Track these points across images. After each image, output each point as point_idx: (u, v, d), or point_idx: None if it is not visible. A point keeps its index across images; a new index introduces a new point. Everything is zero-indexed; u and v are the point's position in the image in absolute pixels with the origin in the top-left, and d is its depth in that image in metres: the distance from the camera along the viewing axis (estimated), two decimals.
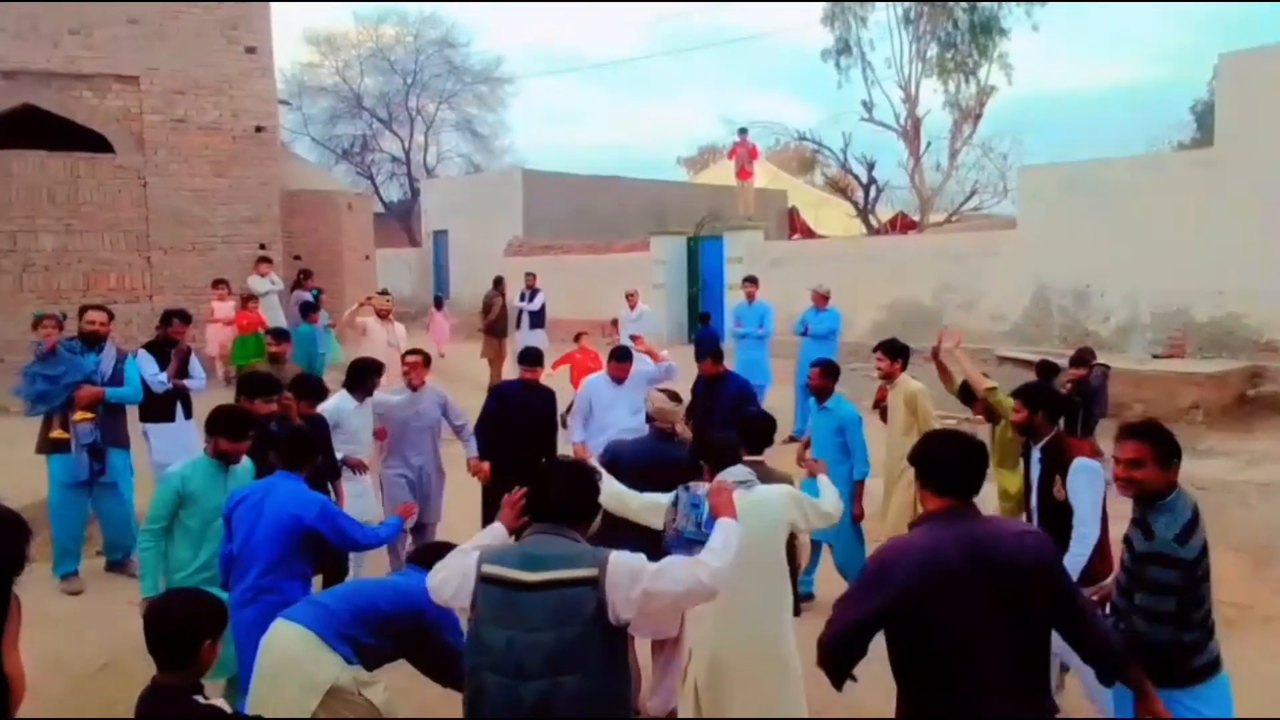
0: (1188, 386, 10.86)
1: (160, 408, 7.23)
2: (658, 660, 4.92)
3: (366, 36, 34.33)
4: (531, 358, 6.87)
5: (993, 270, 14.50)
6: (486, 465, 6.47)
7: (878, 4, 23.70)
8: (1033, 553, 2.73)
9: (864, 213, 23.73)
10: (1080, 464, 4.28)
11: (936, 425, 5.67)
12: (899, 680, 2.76)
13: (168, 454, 7.40)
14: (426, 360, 6.62)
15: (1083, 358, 9.29)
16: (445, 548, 3.48)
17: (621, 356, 6.96)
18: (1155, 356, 12.31)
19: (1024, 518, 4.77)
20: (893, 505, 6.24)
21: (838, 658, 2.72)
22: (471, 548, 2.98)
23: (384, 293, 10.60)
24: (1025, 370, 12.43)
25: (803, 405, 9.72)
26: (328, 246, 16.02)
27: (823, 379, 6.12)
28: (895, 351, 6.30)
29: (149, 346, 7.33)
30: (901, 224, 23.65)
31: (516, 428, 6.50)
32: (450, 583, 2.86)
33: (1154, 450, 3.28)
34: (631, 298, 14.17)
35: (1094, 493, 4.26)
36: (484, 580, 2.76)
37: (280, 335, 7.87)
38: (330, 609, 3.73)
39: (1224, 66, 12.42)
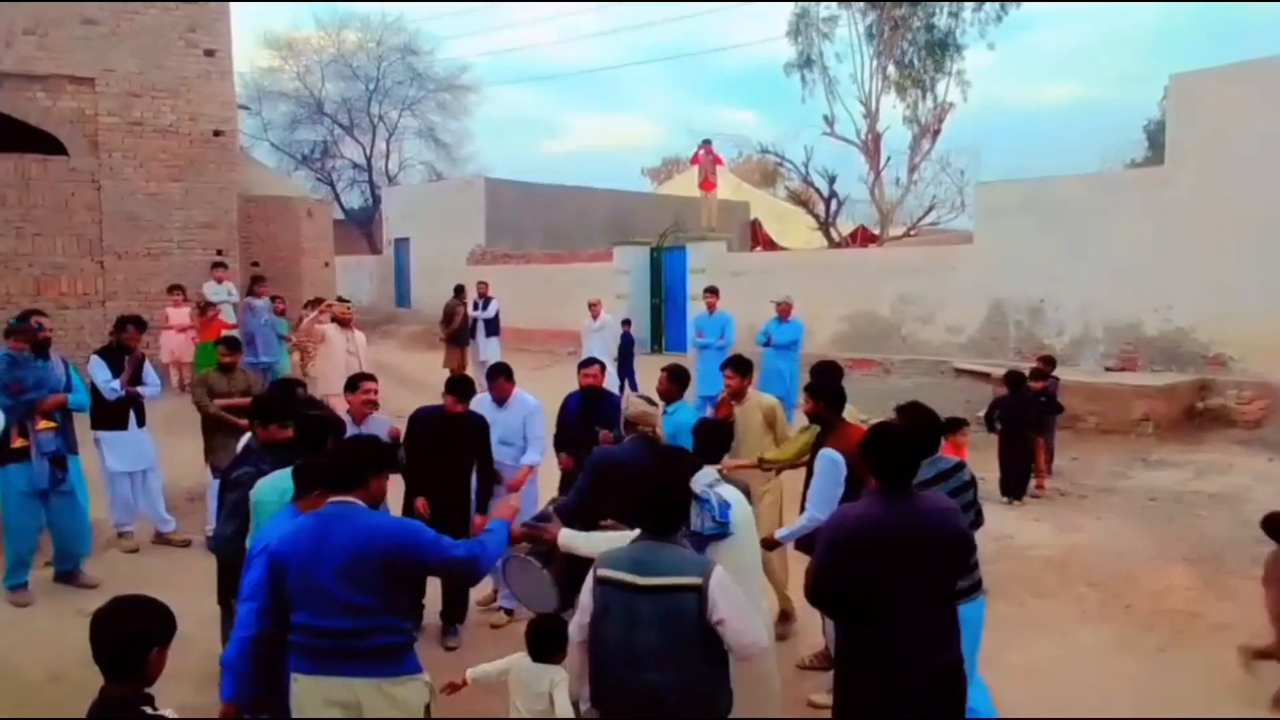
0: (1139, 399, 11.09)
1: (113, 415, 7.10)
2: None
3: (328, 42, 34.03)
4: (459, 387, 5.96)
5: (950, 284, 14.71)
6: (421, 502, 5.80)
7: (842, 18, 23.96)
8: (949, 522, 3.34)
9: (825, 226, 23.96)
10: (824, 453, 4.68)
11: (792, 435, 5.97)
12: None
13: (120, 462, 7.27)
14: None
15: (1042, 371, 9.49)
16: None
17: (498, 374, 6.37)
18: (1107, 369, 12.56)
19: None
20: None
21: (822, 599, 3.35)
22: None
23: (344, 300, 10.49)
24: (981, 382, 12.66)
25: None
26: (286, 253, 15.85)
27: (669, 384, 6.09)
28: (744, 368, 6.29)
29: (102, 353, 7.20)
30: (862, 237, 23.92)
31: (434, 459, 5.78)
32: (583, 597, 3.23)
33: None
34: (595, 307, 14.17)
35: (830, 480, 4.60)
36: (600, 581, 3.14)
37: (232, 345, 7.76)
38: None
39: (1174, 86, 12.72)
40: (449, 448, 5.83)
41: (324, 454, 3.92)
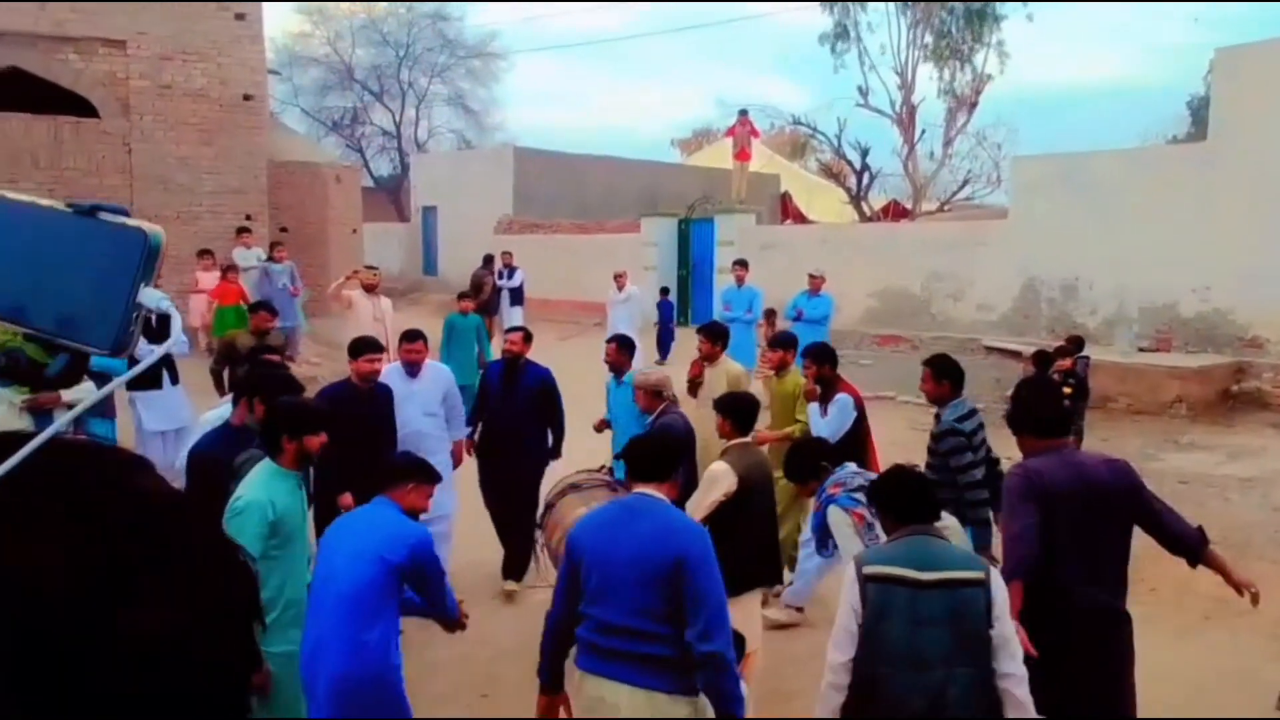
0: (1172, 380, 10.91)
1: (148, 376, 7.16)
2: None
3: (359, 7, 33.94)
4: (368, 346, 5.65)
5: (982, 260, 14.50)
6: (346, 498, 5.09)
7: None
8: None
9: (856, 199, 23.69)
10: (839, 398, 5.92)
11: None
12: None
13: (157, 421, 7.35)
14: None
15: (1066, 349, 9.35)
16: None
17: (412, 338, 6.03)
18: (1141, 350, 12.36)
19: None
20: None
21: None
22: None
23: (371, 267, 10.52)
24: (1012, 360, 12.49)
25: None
26: (314, 219, 15.91)
27: (619, 354, 6.25)
28: (716, 335, 6.55)
29: None
30: (894, 212, 23.63)
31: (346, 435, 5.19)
32: (842, 599, 3.07)
33: (931, 371, 5.14)
34: (620, 279, 14.14)
35: (846, 417, 5.87)
36: (873, 580, 2.97)
37: (269, 309, 7.74)
38: None
39: (1219, 61, 12.42)
40: (361, 425, 5.28)
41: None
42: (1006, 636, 2.95)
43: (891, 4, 23.33)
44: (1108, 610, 3.50)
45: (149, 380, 7.18)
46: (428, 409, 5.99)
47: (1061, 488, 3.48)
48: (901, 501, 3.19)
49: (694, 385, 6.57)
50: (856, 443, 5.88)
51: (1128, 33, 56.21)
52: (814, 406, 6.04)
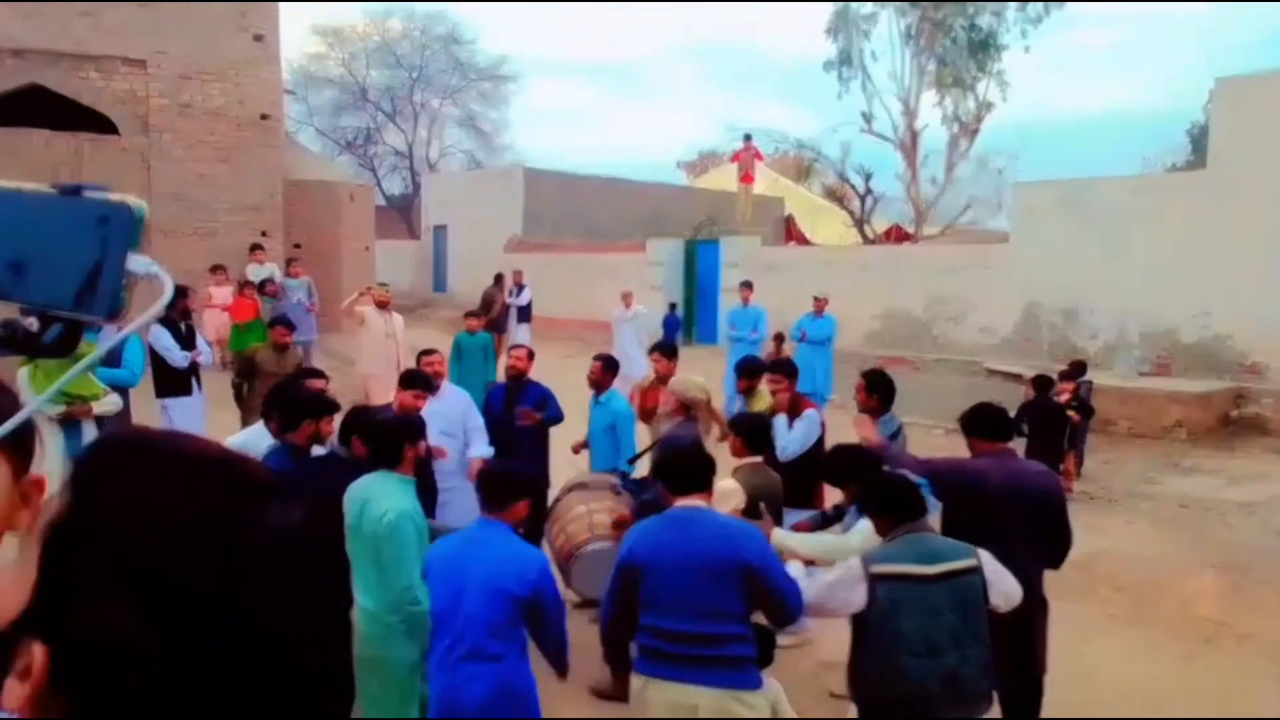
0: (1172, 405, 11.00)
1: (179, 382, 7.30)
2: None
3: (373, 30, 34.40)
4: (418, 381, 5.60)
5: (984, 284, 14.64)
6: None
7: (880, 17, 23.83)
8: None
9: (860, 223, 23.87)
10: (809, 413, 5.92)
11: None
12: None
13: (189, 427, 7.50)
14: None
15: (1070, 374, 9.44)
16: None
17: (428, 352, 6.13)
18: (1141, 374, 12.45)
19: None
20: None
21: None
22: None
23: (383, 284, 10.68)
24: (1013, 384, 12.59)
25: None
26: (328, 236, 16.11)
27: (603, 374, 6.27)
28: (670, 352, 6.64)
29: (162, 323, 7.41)
30: (896, 235, 23.80)
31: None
32: (837, 594, 3.22)
33: (865, 384, 5.37)
34: (627, 298, 14.28)
35: (810, 432, 5.84)
36: (881, 579, 3.14)
37: (287, 325, 7.90)
38: None
39: (1218, 91, 12.57)
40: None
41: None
42: (1006, 592, 3.31)
43: (894, 32, 23.63)
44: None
45: (180, 386, 7.31)
46: (446, 429, 5.93)
47: (993, 488, 3.86)
48: (895, 503, 3.38)
49: (649, 412, 6.49)
50: (817, 460, 5.85)
51: (1127, 62, 56.63)
52: (781, 420, 6.05)
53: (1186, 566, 7.20)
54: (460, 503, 5.19)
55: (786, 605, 3.21)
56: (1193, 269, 12.14)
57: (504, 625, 3.32)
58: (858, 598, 3.16)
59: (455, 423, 5.99)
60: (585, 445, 6.41)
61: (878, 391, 5.46)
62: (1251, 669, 5.54)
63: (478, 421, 6.14)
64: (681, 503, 3.30)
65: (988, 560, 3.31)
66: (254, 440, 4.76)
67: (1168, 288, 12.42)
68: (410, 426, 4.11)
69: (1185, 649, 5.82)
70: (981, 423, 4.16)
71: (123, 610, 0.62)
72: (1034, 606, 3.86)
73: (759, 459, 4.76)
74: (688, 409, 5.32)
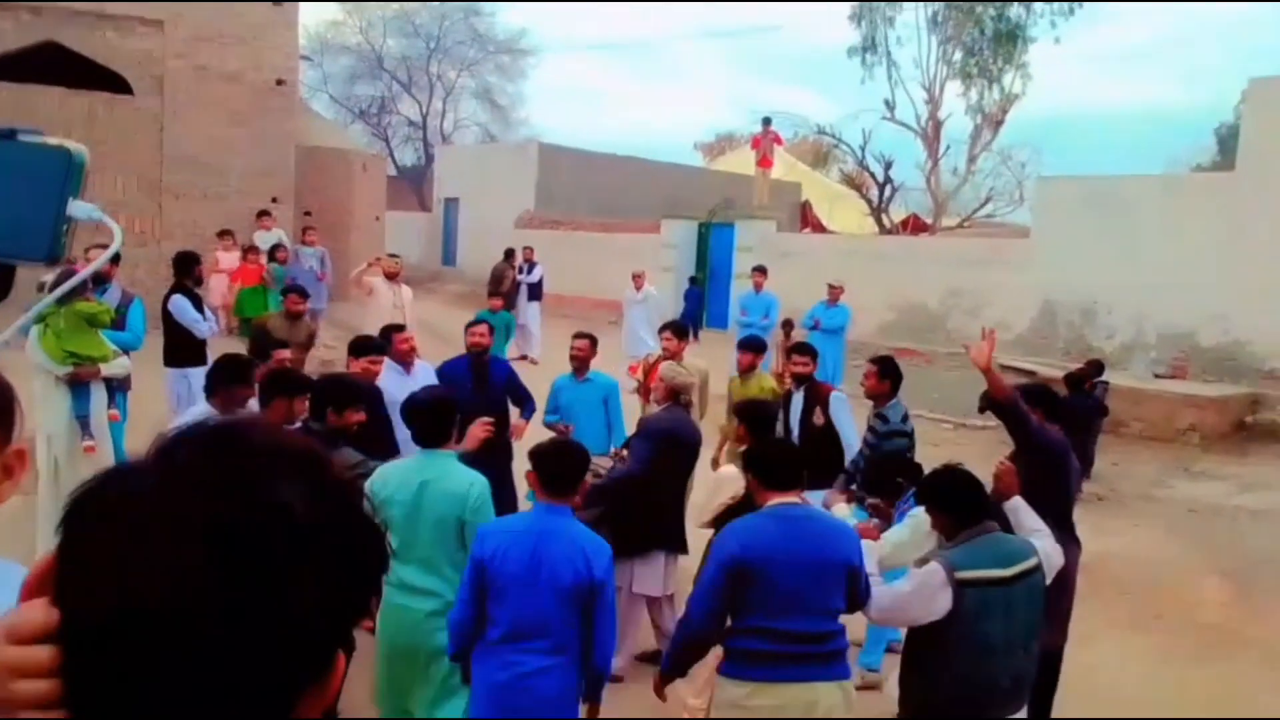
0: (1187, 408, 10.90)
1: (197, 352, 7.23)
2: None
3: None
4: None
5: (1001, 279, 14.49)
6: None
7: (905, 5, 23.55)
8: None
9: (877, 211, 23.67)
10: (836, 396, 6.01)
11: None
12: None
13: (198, 397, 7.46)
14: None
15: (1087, 373, 9.35)
16: None
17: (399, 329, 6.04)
18: (1157, 376, 12.33)
19: None
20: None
21: None
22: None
23: (394, 255, 10.62)
24: (1026, 381, 12.48)
25: None
26: (339, 205, 16.04)
27: (590, 351, 6.26)
28: (682, 332, 6.66)
29: (181, 292, 7.34)
30: (914, 226, 23.61)
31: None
32: (917, 602, 3.16)
33: (876, 370, 5.46)
34: (638, 279, 14.17)
35: (848, 415, 5.93)
36: (968, 585, 3.09)
37: (301, 293, 7.80)
38: None
39: (1251, 92, 12.38)
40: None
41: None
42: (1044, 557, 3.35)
43: (921, 19, 23.35)
44: None
45: (198, 355, 7.25)
46: None
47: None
48: (965, 502, 3.31)
49: (645, 387, 6.52)
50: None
51: (1157, 58, 55.99)
52: (796, 405, 6.05)
53: (1193, 571, 7.15)
54: None
55: (867, 603, 3.31)
56: (1214, 272, 11.98)
57: (575, 618, 3.25)
58: (940, 605, 3.10)
59: None
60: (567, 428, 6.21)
61: (889, 377, 5.52)
62: (1255, 676, 5.54)
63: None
64: (779, 499, 3.26)
65: (1043, 550, 3.34)
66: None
67: (1188, 290, 12.26)
68: (352, 391, 4.07)
69: (1189, 654, 5.79)
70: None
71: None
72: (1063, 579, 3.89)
73: None
74: (677, 394, 5.27)
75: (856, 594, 3.26)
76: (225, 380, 4.44)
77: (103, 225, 1.01)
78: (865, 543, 3.54)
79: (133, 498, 0.63)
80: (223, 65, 13.25)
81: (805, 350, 6.35)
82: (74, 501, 0.64)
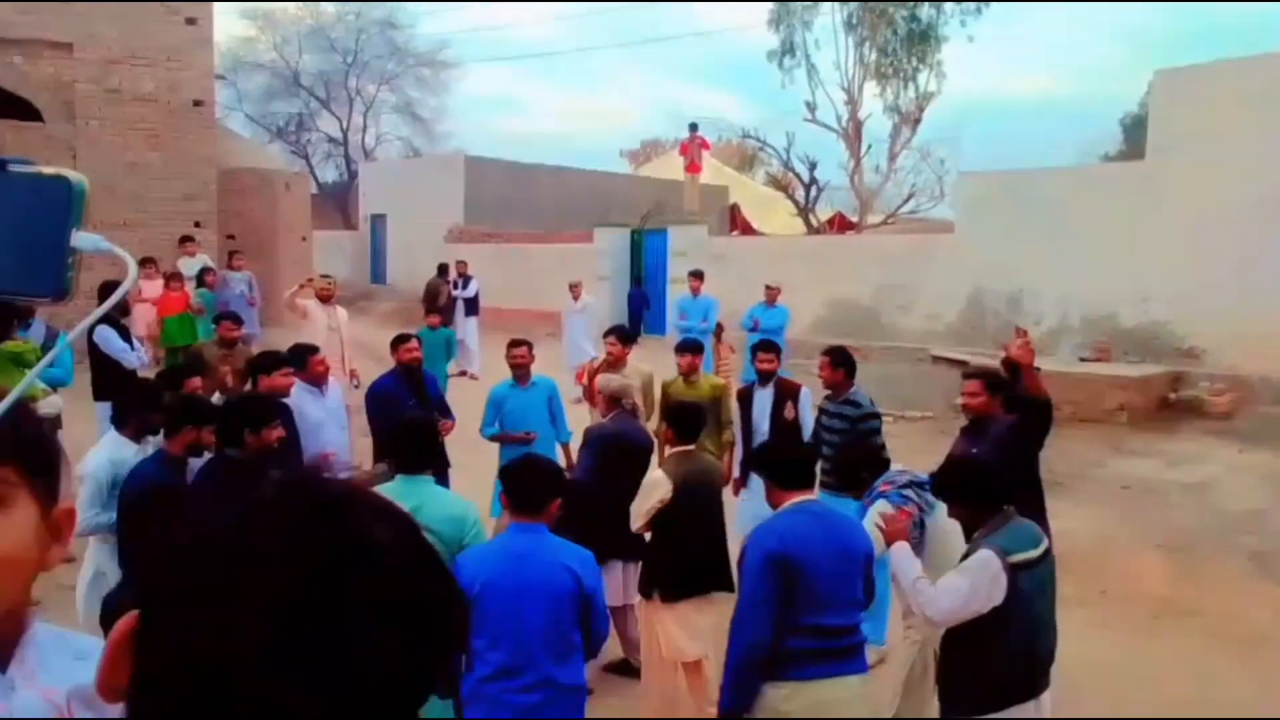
0: (1113, 389, 11.25)
1: (124, 384, 6.99)
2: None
3: (306, 13, 33.54)
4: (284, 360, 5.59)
5: (930, 273, 14.82)
6: None
7: (822, 7, 23.95)
8: None
9: (804, 211, 24.02)
10: (806, 392, 6.23)
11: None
12: None
13: None
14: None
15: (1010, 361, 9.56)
16: None
17: (298, 360, 5.79)
18: (1083, 360, 12.71)
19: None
20: None
21: None
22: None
23: (326, 276, 10.40)
24: (958, 370, 12.77)
25: None
26: (264, 226, 15.66)
27: (531, 356, 6.40)
28: (627, 337, 6.75)
29: (107, 323, 7.11)
30: (840, 224, 24.01)
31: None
32: (980, 594, 3.22)
33: (831, 359, 5.68)
34: (575, 289, 14.15)
35: (812, 410, 6.11)
36: (1019, 568, 3.24)
37: (234, 319, 7.62)
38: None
39: (1158, 83, 12.86)
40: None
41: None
42: None
43: (837, 21, 23.77)
44: None
45: (124, 388, 7.00)
46: (342, 424, 6.02)
47: None
48: (990, 491, 3.45)
49: (590, 392, 6.50)
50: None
51: (1060, 52, 57.94)
52: (764, 401, 6.16)
53: (1132, 546, 7.38)
54: None
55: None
56: (1132, 256, 12.43)
57: (570, 634, 3.17)
58: (999, 592, 3.21)
59: (342, 416, 6.01)
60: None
61: (843, 366, 5.69)
62: (1199, 644, 5.73)
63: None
64: (798, 498, 3.34)
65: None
66: (120, 454, 4.31)
67: (1108, 274, 12.69)
68: (267, 408, 3.99)
69: (1134, 626, 5.97)
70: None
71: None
72: None
73: (690, 446, 4.67)
74: (619, 401, 5.27)
75: (870, 583, 3.38)
76: (135, 408, 4.36)
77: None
78: (901, 546, 3.59)
79: (215, 550, 0.60)
80: (136, 87, 12.84)
81: (770, 348, 6.43)
82: (151, 557, 0.62)
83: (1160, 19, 56.04)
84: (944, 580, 3.33)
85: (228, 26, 42.34)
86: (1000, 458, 4.15)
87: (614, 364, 6.47)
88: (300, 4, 33.55)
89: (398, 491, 3.48)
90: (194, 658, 0.57)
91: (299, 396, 5.60)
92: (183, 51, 13.14)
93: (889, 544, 3.63)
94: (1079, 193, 13.24)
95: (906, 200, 23.61)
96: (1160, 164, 12.35)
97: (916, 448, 7.98)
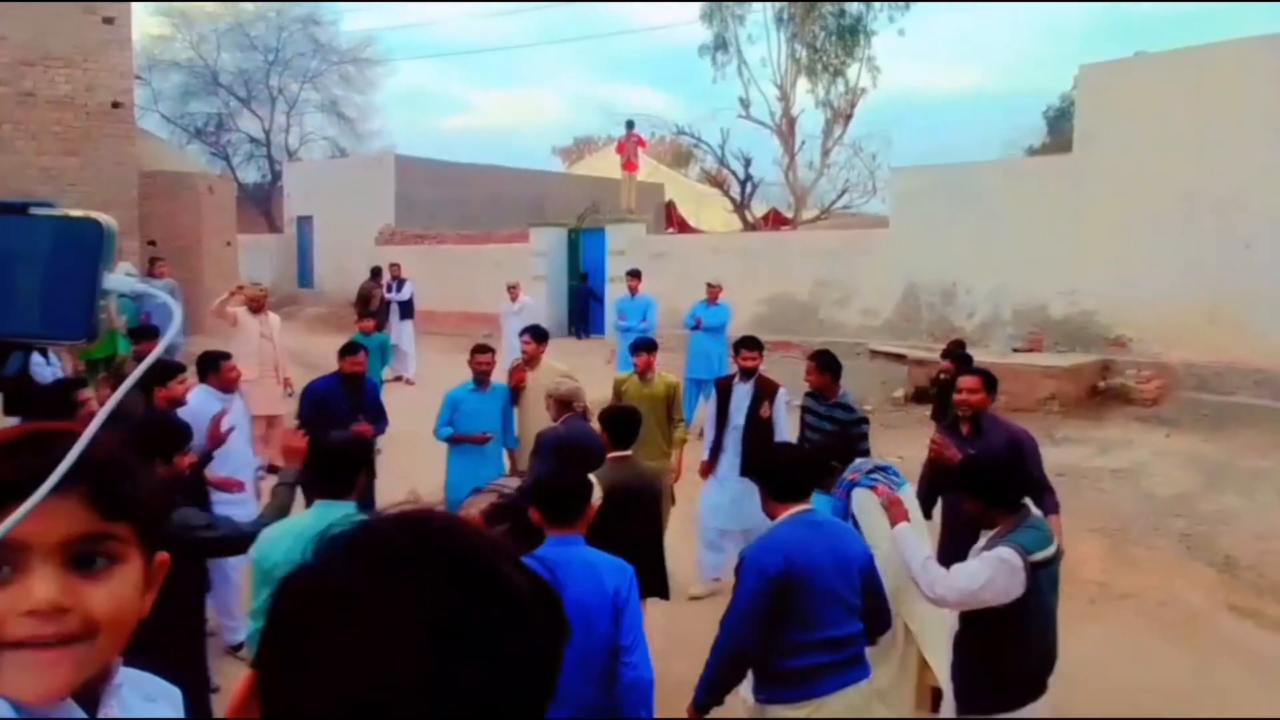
0: (1045, 379, 11.52)
1: (37, 398, 6.68)
2: None
3: (224, 10, 32.57)
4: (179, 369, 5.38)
5: (866, 268, 15.02)
6: None
7: (753, 4, 24.08)
8: None
9: (740, 208, 24.13)
10: (783, 391, 6.32)
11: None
12: None
13: None
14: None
15: (952, 351, 9.68)
16: None
17: (211, 364, 5.71)
18: (1015, 350, 13.01)
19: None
20: None
21: None
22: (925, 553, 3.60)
23: (256, 283, 10.13)
24: (896, 364, 12.98)
25: (693, 398, 9.82)
26: (186, 231, 15.15)
27: (493, 362, 6.53)
28: (540, 336, 6.83)
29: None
30: (774, 220, 24.19)
31: None
32: (996, 585, 3.29)
33: (817, 363, 5.77)
34: (513, 290, 14.00)
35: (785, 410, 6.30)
36: (1039, 566, 3.33)
37: (149, 333, 7.33)
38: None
39: (1083, 77, 13.18)
40: None
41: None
42: None
43: (769, 17, 23.92)
44: None
45: (49, 408, 6.70)
46: (248, 435, 6.04)
47: None
48: (1013, 488, 3.52)
49: (517, 392, 6.57)
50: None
51: (984, 45, 59.32)
52: (743, 396, 6.24)
53: (1067, 532, 7.47)
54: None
55: (883, 603, 3.49)
56: (1061, 248, 12.74)
57: (610, 645, 3.05)
58: (1017, 586, 3.29)
59: (246, 426, 5.93)
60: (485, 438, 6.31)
61: (830, 370, 5.75)
62: (1135, 626, 5.89)
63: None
64: (795, 509, 3.33)
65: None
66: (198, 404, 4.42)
67: (1038, 266, 12.99)
68: (183, 429, 3.80)
69: (1073, 610, 6.06)
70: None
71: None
72: None
73: (626, 453, 4.62)
74: (569, 404, 5.23)
75: (877, 586, 3.42)
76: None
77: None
78: (906, 527, 3.68)
79: (344, 592, 0.62)
80: (51, 89, 12.30)
81: (754, 345, 6.45)
82: (279, 599, 0.64)
83: (1080, 13, 57.74)
84: (963, 564, 3.44)
85: (142, 24, 41.00)
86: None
87: (529, 362, 6.61)
88: (219, 2, 32.60)
89: (314, 521, 3.15)
90: (348, 701, 0.60)
91: (204, 401, 5.38)
92: (100, 52, 12.62)
93: (893, 525, 3.71)
94: (1009, 186, 13.54)
95: (840, 196, 23.88)
96: (1086, 158, 12.67)
97: None
